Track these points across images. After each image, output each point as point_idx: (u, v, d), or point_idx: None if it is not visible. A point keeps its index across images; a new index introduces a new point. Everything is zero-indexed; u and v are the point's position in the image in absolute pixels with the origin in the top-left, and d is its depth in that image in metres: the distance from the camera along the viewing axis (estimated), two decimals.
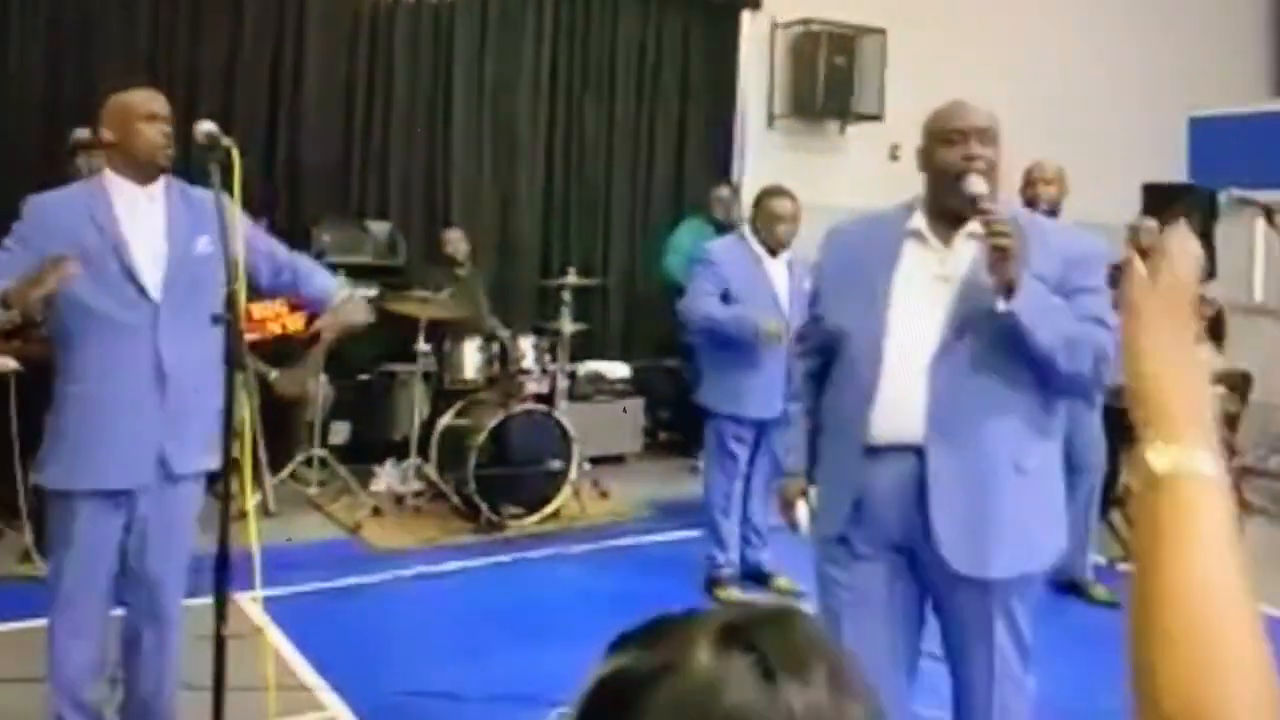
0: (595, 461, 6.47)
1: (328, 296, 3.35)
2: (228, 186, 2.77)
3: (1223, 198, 6.78)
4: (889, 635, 2.57)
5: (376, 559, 5.15)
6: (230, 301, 2.65)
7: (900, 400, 2.47)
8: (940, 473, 2.45)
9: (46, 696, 3.12)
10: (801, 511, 2.74)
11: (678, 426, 7.68)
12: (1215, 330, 7.22)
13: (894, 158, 7.65)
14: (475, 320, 6.26)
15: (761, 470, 4.91)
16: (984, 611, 2.51)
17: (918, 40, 8.16)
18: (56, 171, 5.52)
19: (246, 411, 2.88)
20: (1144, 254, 0.96)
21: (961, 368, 2.45)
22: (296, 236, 6.26)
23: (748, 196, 7.54)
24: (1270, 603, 1.13)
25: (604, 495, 6.27)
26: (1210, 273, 6.94)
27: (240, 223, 2.99)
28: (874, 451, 2.52)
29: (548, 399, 6.12)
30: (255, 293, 3.47)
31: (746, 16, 8.16)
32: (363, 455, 6.42)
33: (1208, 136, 8.75)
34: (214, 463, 2.90)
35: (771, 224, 4.81)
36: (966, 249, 2.51)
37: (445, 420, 5.85)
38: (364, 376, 6.75)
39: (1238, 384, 5.93)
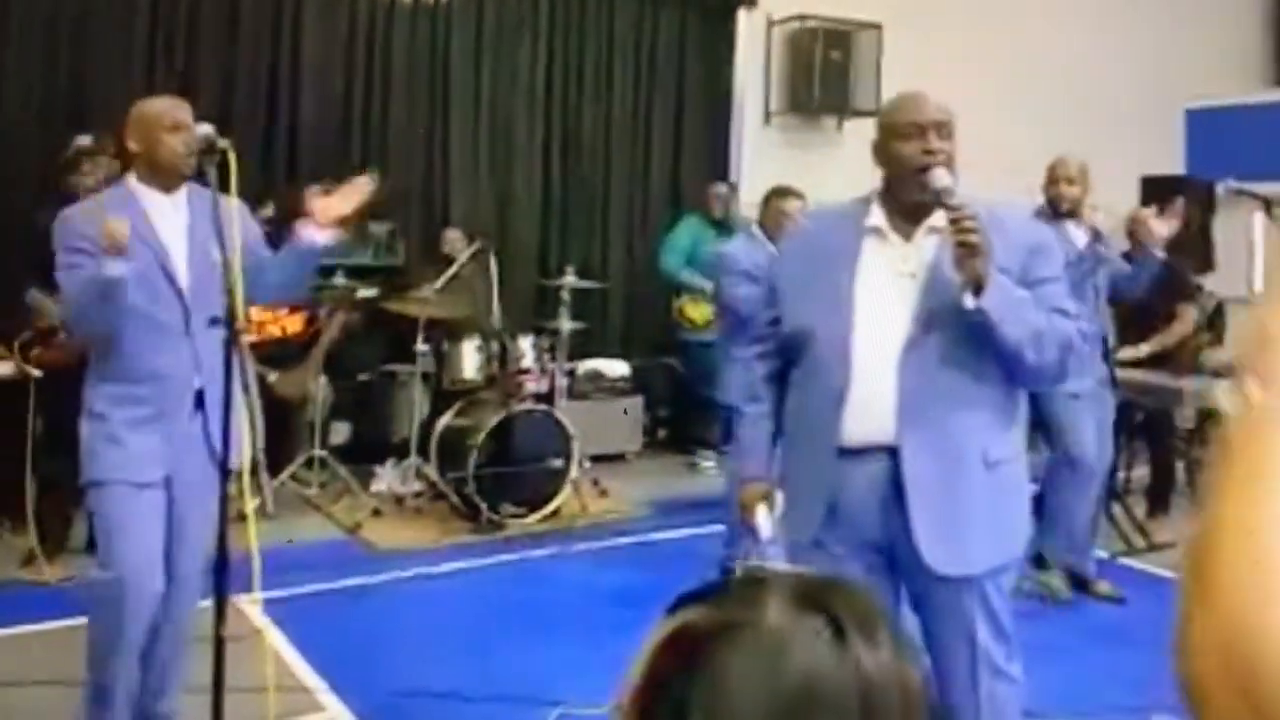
0: (595, 460, 6.46)
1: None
2: (224, 188, 2.80)
3: (1220, 189, 6.77)
4: None
5: (377, 559, 5.15)
6: (229, 304, 2.69)
7: (871, 400, 2.44)
8: (916, 473, 2.43)
9: (89, 697, 3.10)
10: (762, 516, 2.62)
11: (677, 424, 7.68)
12: (1214, 323, 7.23)
13: None
14: (474, 319, 6.25)
15: None
16: (963, 606, 2.50)
17: (914, 35, 8.15)
18: (52, 174, 5.54)
19: (246, 414, 2.89)
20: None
21: (930, 364, 2.43)
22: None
23: (745, 194, 7.56)
24: None
25: (604, 493, 6.27)
26: (1208, 265, 6.95)
27: (246, 224, 3.04)
28: (847, 453, 2.48)
29: (547, 398, 6.11)
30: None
31: (742, 14, 8.14)
32: (363, 456, 6.42)
33: (1205, 128, 8.76)
34: (239, 460, 2.98)
35: (781, 223, 4.82)
36: (928, 243, 2.49)
37: (445, 420, 5.84)
38: (364, 377, 6.75)
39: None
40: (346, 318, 6.07)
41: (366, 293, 6.21)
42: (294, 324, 5.97)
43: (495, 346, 5.98)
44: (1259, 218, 5.27)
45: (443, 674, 3.83)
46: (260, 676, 2.94)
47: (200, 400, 3.06)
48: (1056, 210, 4.66)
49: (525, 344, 5.99)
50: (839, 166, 8.00)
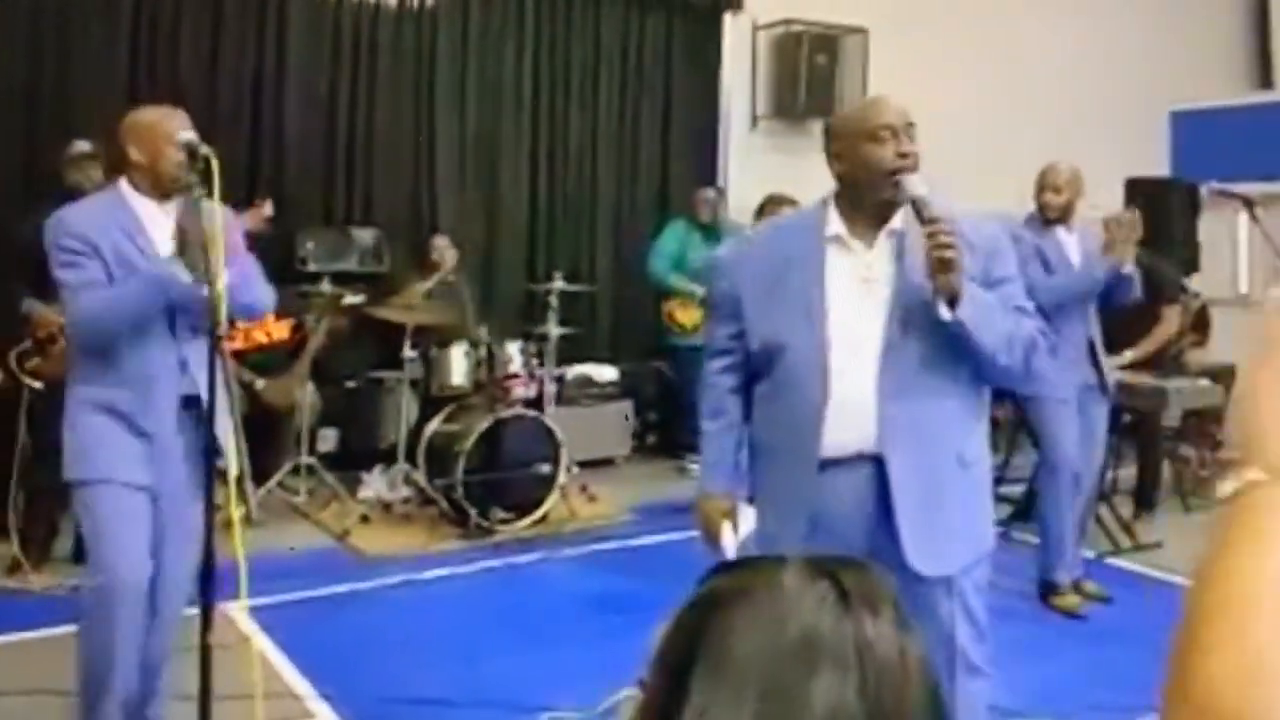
0: (584, 465, 6.47)
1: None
2: (208, 194, 2.80)
3: (1205, 190, 6.81)
4: None
5: (365, 566, 5.14)
6: (211, 312, 2.70)
7: (851, 411, 2.43)
8: (901, 479, 2.44)
9: (82, 707, 3.08)
10: (728, 534, 2.55)
11: (666, 429, 7.68)
12: (1200, 324, 7.26)
13: None
14: (461, 327, 6.25)
15: None
16: (943, 608, 2.51)
17: (900, 39, 8.17)
18: (35, 179, 5.54)
19: (231, 422, 2.89)
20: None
21: (907, 370, 2.44)
22: (281, 244, 6.28)
23: (732, 198, 7.58)
24: None
25: (593, 498, 6.26)
26: (1193, 266, 6.98)
27: (231, 228, 3.04)
28: (828, 464, 2.47)
29: (535, 403, 6.11)
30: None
31: (728, 18, 8.16)
32: (350, 463, 6.40)
33: (1190, 130, 8.80)
34: (227, 463, 2.98)
35: None
36: (888, 246, 2.49)
37: (433, 426, 5.84)
38: (351, 384, 6.74)
39: (1222, 377, 5.96)
40: (334, 324, 6.06)
41: (353, 299, 6.19)
42: (281, 331, 5.96)
43: (483, 352, 5.97)
44: (1243, 218, 5.30)
45: (431, 680, 3.82)
46: (248, 683, 2.93)
47: (187, 406, 3.05)
48: (1045, 218, 4.70)
49: (513, 349, 5.98)
50: (825, 171, 8.02)
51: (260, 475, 5.64)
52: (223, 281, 2.77)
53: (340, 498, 5.96)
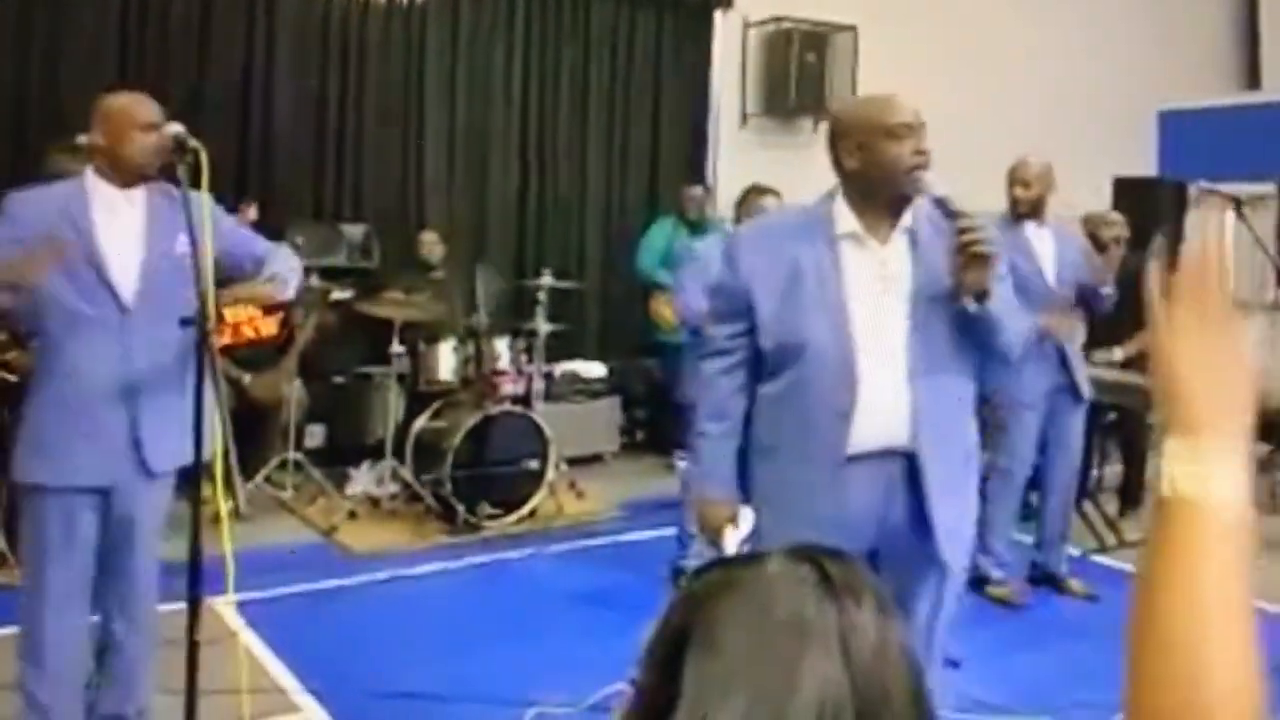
0: (572, 461, 6.46)
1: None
2: (196, 188, 2.79)
3: (1192, 190, 6.83)
4: None
5: (353, 562, 5.14)
6: (201, 304, 2.68)
7: (881, 410, 2.44)
8: (934, 473, 2.47)
9: (26, 705, 3.08)
10: (730, 538, 2.48)
11: (654, 425, 7.68)
12: None
13: None
14: (451, 323, 6.24)
15: None
16: (939, 596, 2.56)
17: (889, 36, 8.19)
18: (21, 176, 5.48)
19: (218, 416, 2.87)
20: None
21: (932, 365, 2.46)
22: (269, 239, 6.24)
23: (721, 196, 7.58)
24: (1265, 597, 1.14)
25: (581, 495, 6.26)
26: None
27: (219, 220, 3.02)
28: (853, 460, 2.46)
29: (524, 400, 6.11)
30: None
31: (718, 16, 8.16)
32: (338, 458, 6.39)
33: (1178, 130, 8.81)
34: (190, 458, 2.86)
35: None
36: (904, 243, 2.51)
37: (421, 422, 5.83)
38: (338, 379, 6.73)
39: None
40: (321, 320, 6.05)
41: (341, 295, 6.18)
42: (268, 326, 5.93)
43: (471, 348, 5.97)
44: (1229, 217, 5.32)
45: (419, 675, 3.83)
46: (235, 678, 2.93)
47: (143, 399, 2.99)
48: (1016, 213, 4.68)
49: (501, 345, 5.98)
50: (815, 168, 8.01)
51: (247, 471, 5.62)
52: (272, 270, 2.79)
53: (328, 493, 5.95)
